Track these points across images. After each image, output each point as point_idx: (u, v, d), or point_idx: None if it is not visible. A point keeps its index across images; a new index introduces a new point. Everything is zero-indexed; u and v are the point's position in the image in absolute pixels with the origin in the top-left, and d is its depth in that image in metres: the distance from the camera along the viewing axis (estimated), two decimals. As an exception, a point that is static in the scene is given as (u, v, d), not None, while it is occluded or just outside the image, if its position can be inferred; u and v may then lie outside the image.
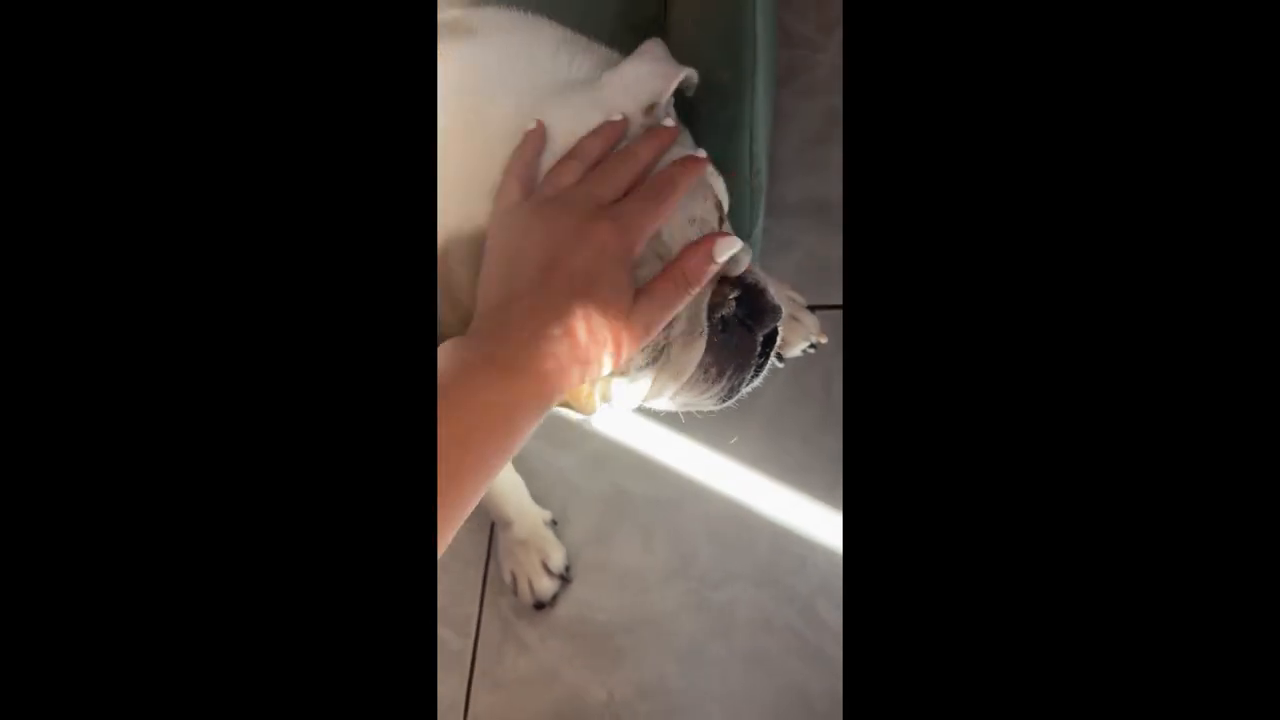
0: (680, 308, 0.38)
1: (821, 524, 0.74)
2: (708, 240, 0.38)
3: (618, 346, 0.36)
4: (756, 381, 0.47)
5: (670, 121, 0.43)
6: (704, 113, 0.54)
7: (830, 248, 0.82)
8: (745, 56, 0.51)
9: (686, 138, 0.49)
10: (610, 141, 0.40)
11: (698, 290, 0.39)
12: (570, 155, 0.40)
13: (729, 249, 0.38)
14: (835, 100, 0.89)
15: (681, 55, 0.56)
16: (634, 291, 0.36)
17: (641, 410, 0.80)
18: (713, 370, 0.43)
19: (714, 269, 0.38)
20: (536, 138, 0.40)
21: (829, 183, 0.85)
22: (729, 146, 0.54)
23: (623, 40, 0.75)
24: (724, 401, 0.46)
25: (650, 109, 0.43)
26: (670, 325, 0.39)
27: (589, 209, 0.36)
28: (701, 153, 0.41)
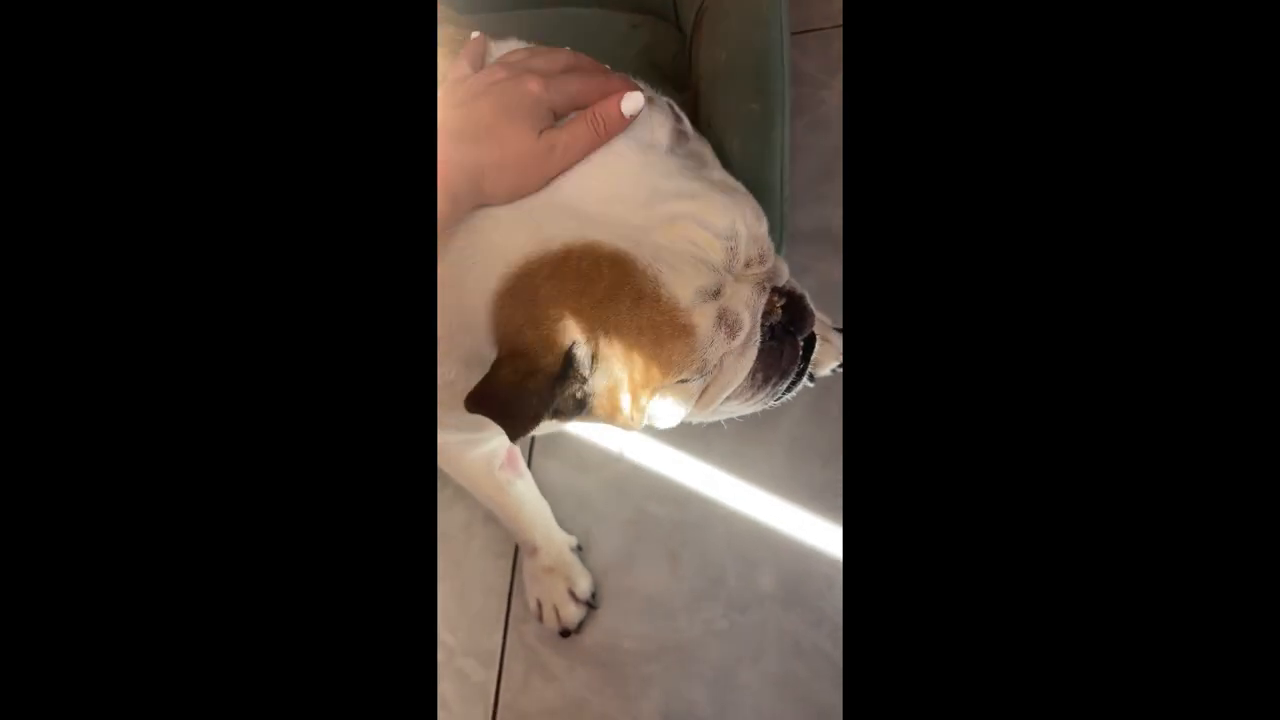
0: (591, 149, 0.40)
1: (847, 545, 0.74)
2: (620, 92, 0.42)
3: (521, 157, 0.40)
4: (797, 389, 0.48)
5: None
6: (736, 144, 0.56)
7: (841, 274, 0.84)
8: (775, 87, 0.54)
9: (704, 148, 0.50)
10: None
11: (610, 136, 0.41)
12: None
13: (636, 104, 0.42)
14: (841, 135, 0.92)
15: (714, 88, 0.59)
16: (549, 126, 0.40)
17: (659, 430, 0.80)
18: (759, 377, 0.45)
19: (626, 123, 0.41)
20: (479, 42, 0.46)
21: (837, 212, 0.88)
22: (761, 174, 0.56)
23: (647, 76, 0.78)
24: (765, 406, 0.48)
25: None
26: (733, 337, 0.41)
27: (522, 69, 0.42)
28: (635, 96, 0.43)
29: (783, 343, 0.45)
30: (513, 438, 0.41)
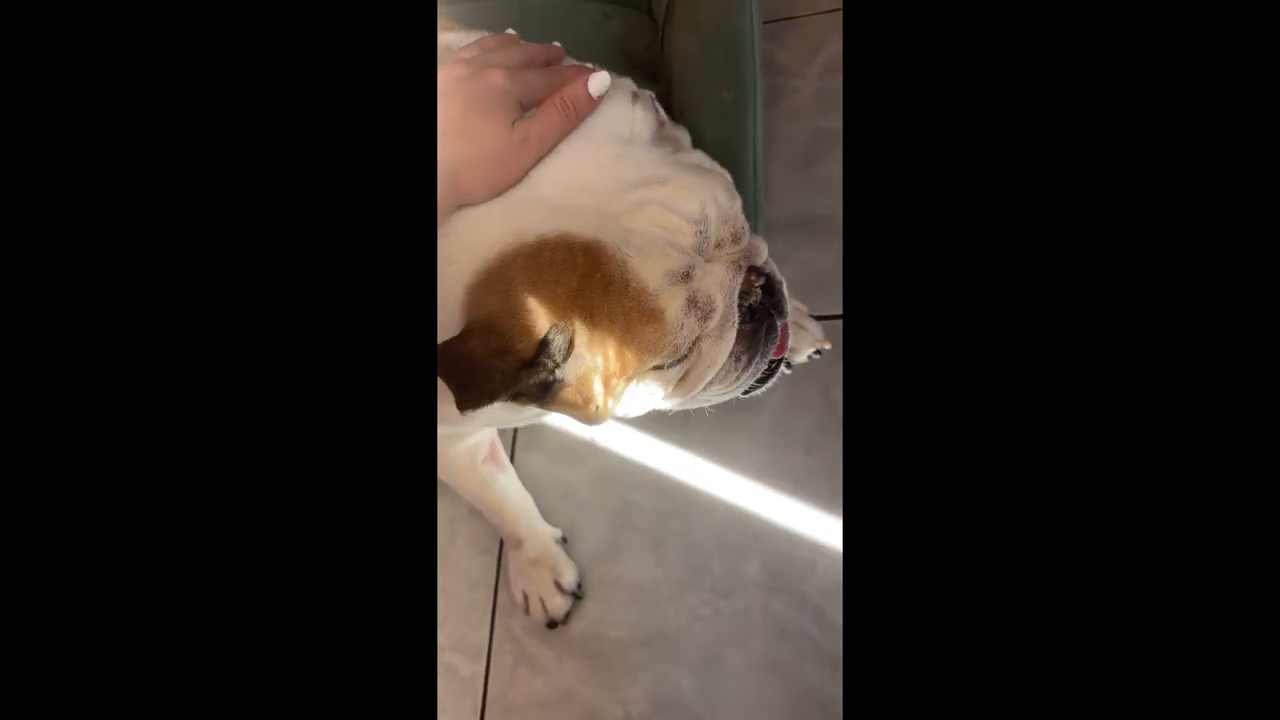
0: (563, 134, 0.41)
1: (828, 528, 0.75)
2: (585, 74, 0.42)
3: (497, 151, 0.40)
4: (774, 378, 0.48)
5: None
6: (710, 132, 0.57)
7: (822, 261, 0.85)
8: (747, 76, 0.54)
9: (685, 137, 0.50)
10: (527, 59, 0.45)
11: (579, 119, 0.41)
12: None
13: (603, 83, 0.42)
14: (817, 122, 0.93)
15: (687, 76, 0.59)
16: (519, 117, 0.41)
17: (641, 420, 0.80)
18: (743, 358, 0.45)
19: (595, 103, 0.42)
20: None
21: (816, 200, 0.89)
22: (736, 162, 0.56)
23: (618, 66, 0.78)
24: (747, 393, 0.48)
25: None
26: (705, 320, 0.41)
27: (483, 63, 0.43)
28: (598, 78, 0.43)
29: (762, 323, 0.45)
30: (461, 409, 0.40)
